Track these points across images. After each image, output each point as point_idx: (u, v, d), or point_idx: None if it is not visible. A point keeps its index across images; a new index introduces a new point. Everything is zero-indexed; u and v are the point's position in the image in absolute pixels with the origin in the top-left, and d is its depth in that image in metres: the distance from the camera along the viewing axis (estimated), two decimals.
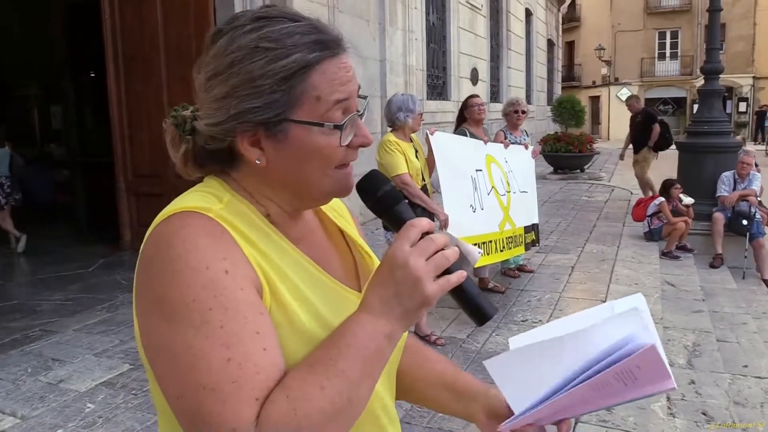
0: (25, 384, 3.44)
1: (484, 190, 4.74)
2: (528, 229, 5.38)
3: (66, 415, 3.06)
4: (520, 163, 5.38)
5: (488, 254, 4.69)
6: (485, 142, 4.93)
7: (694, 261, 6.49)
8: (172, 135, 0.84)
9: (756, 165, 7.05)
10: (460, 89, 11.90)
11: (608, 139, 30.39)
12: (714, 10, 7.43)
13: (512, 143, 5.36)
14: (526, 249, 5.43)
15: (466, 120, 5.21)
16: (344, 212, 1.02)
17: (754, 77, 30.57)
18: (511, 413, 0.89)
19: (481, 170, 4.77)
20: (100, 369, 3.61)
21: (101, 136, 7.32)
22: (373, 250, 1.00)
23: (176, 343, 0.68)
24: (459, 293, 0.77)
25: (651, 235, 6.94)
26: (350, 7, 7.48)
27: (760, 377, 3.70)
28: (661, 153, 9.43)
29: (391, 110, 4.11)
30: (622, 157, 10.69)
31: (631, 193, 10.25)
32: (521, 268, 5.76)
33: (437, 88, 11.34)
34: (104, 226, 7.09)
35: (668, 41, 32.74)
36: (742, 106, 30.81)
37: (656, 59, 33.02)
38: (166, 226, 0.74)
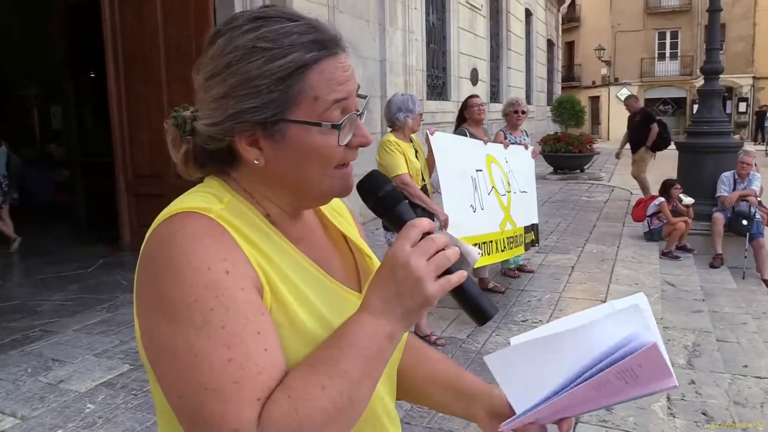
0: (25, 384, 3.44)
1: (485, 190, 4.74)
2: (528, 229, 5.38)
3: (66, 416, 3.06)
4: (521, 163, 5.38)
5: (489, 254, 4.69)
6: (485, 143, 4.93)
7: (694, 261, 6.49)
8: (173, 135, 0.84)
9: (755, 165, 7.05)
10: (460, 89, 11.90)
11: (608, 139, 30.38)
12: (714, 10, 7.43)
13: (512, 143, 5.36)
14: (526, 249, 5.43)
15: (466, 120, 5.21)
16: (344, 212, 1.02)
17: (753, 77, 30.58)
18: (513, 412, 0.89)
19: (481, 170, 4.77)
20: (100, 369, 3.61)
21: (101, 136, 7.32)
22: (373, 250, 1.00)
23: (177, 344, 0.68)
24: (460, 293, 0.77)
25: (651, 235, 6.94)
26: (350, 7, 7.48)
27: (760, 377, 3.70)
28: (659, 153, 9.45)
29: (391, 110, 4.11)
30: (617, 155, 10.73)
31: (631, 193, 10.24)
32: (521, 268, 5.76)
33: (437, 88, 11.34)
34: (104, 226, 7.09)
35: (668, 41, 32.76)
36: (742, 107, 30.82)
37: (656, 59, 33.03)
38: (167, 226, 0.74)
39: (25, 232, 7.34)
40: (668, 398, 3.25)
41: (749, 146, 10.63)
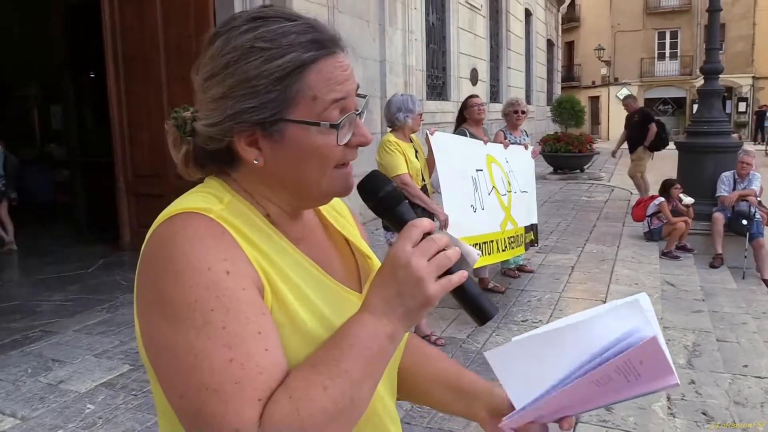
0: (25, 385, 3.43)
1: (485, 189, 4.75)
2: (527, 229, 5.38)
3: (66, 416, 3.06)
4: (521, 163, 5.38)
5: (490, 254, 4.69)
6: (485, 143, 4.93)
7: (694, 261, 6.49)
8: (174, 136, 0.84)
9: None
10: (460, 89, 11.90)
11: (608, 139, 30.37)
12: (713, 10, 7.43)
13: (512, 143, 5.36)
14: (525, 249, 5.43)
15: (466, 120, 5.21)
16: (345, 212, 1.02)
17: (753, 77, 30.58)
18: (513, 410, 0.88)
19: (481, 170, 4.77)
20: (100, 370, 3.61)
21: (101, 136, 7.32)
22: (373, 250, 1.00)
23: (178, 344, 0.68)
24: (460, 293, 0.77)
25: (651, 235, 6.94)
26: (350, 8, 7.48)
27: (760, 377, 3.70)
28: (657, 153, 9.47)
29: (391, 110, 4.11)
30: (613, 154, 10.77)
31: (631, 193, 10.25)
32: (521, 268, 5.76)
33: (437, 88, 11.34)
34: (104, 226, 7.09)
35: (668, 41, 32.76)
36: (742, 106, 30.83)
37: (656, 59, 33.03)
38: (168, 226, 0.74)
39: (25, 232, 7.34)
40: (668, 398, 3.25)
41: (749, 146, 10.63)
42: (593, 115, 33.61)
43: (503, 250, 4.89)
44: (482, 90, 13.37)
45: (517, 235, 5.11)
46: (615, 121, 28.65)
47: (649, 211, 7.03)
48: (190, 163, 0.85)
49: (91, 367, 3.64)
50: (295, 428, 0.66)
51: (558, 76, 26.50)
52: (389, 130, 4.18)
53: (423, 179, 4.18)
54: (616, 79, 32.69)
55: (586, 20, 35.40)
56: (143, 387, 3.33)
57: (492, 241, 4.72)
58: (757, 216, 6.50)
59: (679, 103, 32.82)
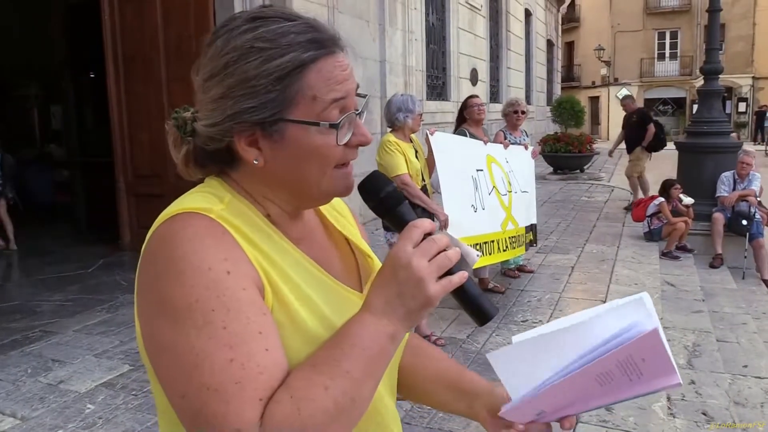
0: (25, 385, 3.43)
1: (485, 189, 4.75)
2: (527, 229, 5.39)
3: (66, 416, 3.06)
4: (521, 163, 5.38)
5: (490, 254, 4.69)
6: (485, 143, 4.93)
7: (694, 261, 6.50)
8: (174, 136, 0.84)
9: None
10: (460, 90, 11.90)
11: (608, 139, 30.34)
12: (713, 10, 7.43)
13: (512, 143, 5.37)
14: (525, 249, 5.44)
15: (466, 120, 5.21)
16: (345, 212, 1.02)
17: (753, 77, 30.59)
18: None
19: (482, 170, 4.77)
20: (100, 370, 3.61)
21: (101, 136, 7.31)
22: (374, 250, 1.00)
23: (179, 344, 0.68)
24: (461, 293, 0.77)
25: (651, 236, 6.94)
26: (350, 8, 7.48)
27: (760, 377, 3.70)
28: (655, 153, 9.49)
29: (391, 111, 4.11)
30: (610, 154, 10.79)
31: (631, 193, 10.24)
32: (521, 269, 5.76)
33: (437, 88, 11.34)
34: (104, 226, 7.08)
35: (668, 41, 32.76)
36: (742, 107, 30.83)
37: (656, 59, 33.03)
38: (168, 226, 0.74)
39: (25, 232, 7.34)
40: (668, 398, 3.25)
41: (749, 146, 10.65)
42: (593, 116, 33.61)
43: (504, 250, 4.89)
44: (482, 90, 13.37)
45: (518, 235, 5.12)
46: (615, 121, 28.60)
47: (649, 211, 7.03)
48: (191, 164, 0.85)
49: (91, 367, 3.64)
50: (296, 428, 0.66)
51: (558, 77, 26.50)
52: (389, 130, 4.18)
53: (423, 179, 4.18)
54: (616, 80, 32.70)
55: (586, 20, 35.41)
56: (143, 387, 3.33)
57: (493, 241, 4.72)
58: (757, 216, 6.51)
59: (679, 104, 32.83)
